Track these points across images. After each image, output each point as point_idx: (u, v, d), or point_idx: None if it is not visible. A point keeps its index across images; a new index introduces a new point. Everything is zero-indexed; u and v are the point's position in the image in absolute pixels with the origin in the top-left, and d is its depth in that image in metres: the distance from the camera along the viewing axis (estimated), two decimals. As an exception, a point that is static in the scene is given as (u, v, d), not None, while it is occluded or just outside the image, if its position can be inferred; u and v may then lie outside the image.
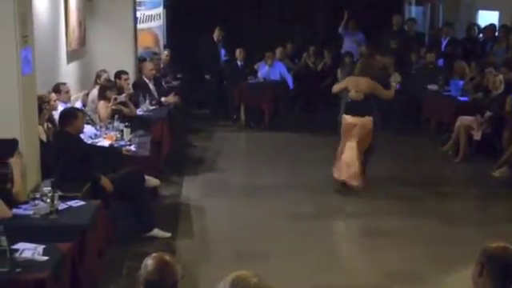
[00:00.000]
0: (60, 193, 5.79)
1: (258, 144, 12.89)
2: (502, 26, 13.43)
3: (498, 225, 8.09)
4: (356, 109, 9.19)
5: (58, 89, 8.85)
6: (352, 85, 9.28)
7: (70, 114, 7.35)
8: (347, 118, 9.27)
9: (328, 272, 6.80)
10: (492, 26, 13.94)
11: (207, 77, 14.39)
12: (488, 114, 10.54)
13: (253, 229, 8.02)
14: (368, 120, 9.16)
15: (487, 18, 14.67)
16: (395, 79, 9.71)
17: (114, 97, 9.71)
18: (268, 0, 16.81)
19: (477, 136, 10.60)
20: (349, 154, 9.24)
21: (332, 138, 12.04)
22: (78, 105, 9.78)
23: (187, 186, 9.61)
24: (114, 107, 9.60)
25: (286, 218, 8.39)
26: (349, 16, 15.44)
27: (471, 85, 11.86)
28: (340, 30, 15.58)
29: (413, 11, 18.08)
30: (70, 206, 5.93)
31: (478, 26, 14.54)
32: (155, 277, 3.32)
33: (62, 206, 5.80)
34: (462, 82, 12.03)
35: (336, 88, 9.77)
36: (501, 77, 10.76)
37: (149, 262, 3.37)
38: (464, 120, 10.88)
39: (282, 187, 9.66)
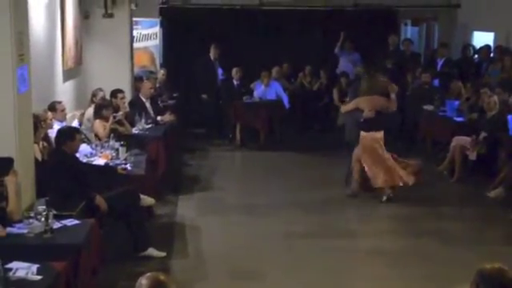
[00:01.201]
0: (55, 211, 5.77)
1: (254, 163, 12.88)
2: (497, 47, 13.50)
3: (494, 245, 8.08)
4: (373, 125, 9.66)
5: (53, 107, 8.85)
6: (364, 104, 9.70)
7: (67, 135, 7.35)
8: (367, 136, 9.68)
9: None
10: (487, 46, 14.01)
11: (204, 96, 14.41)
12: (483, 134, 10.56)
13: (248, 248, 8.00)
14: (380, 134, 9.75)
15: (482, 38, 14.75)
16: (392, 89, 9.92)
17: (113, 115, 9.73)
18: (265, 19, 16.86)
19: (472, 156, 10.61)
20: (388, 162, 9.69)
21: (327, 157, 12.11)
22: (75, 124, 9.79)
23: (182, 205, 9.59)
24: (111, 126, 9.61)
25: (281, 237, 8.37)
26: (345, 37, 15.53)
27: (466, 105, 11.89)
28: (336, 50, 15.68)
29: (408, 31, 18.18)
30: (65, 225, 5.90)
31: (474, 47, 14.62)
32: (149, 296, 3.31)
33: (56, 224, 5.78)
34: (457, 103, 12.06)
35: (346, 108, 10.11)
36: (495, 97, 10.79)
37: (143, 282, 3.36)
38: (459, 140, 10.90)
39: (277, 206, 9.65)
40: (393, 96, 9.94)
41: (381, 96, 9.82)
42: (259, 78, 14.20)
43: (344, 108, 10.30)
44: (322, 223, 8.95)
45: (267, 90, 14.05)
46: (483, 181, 10.36)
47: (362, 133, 9.76)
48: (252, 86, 14.38)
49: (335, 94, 14.66)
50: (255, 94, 14.07)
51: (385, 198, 9.79)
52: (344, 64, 15.57)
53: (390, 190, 9.82)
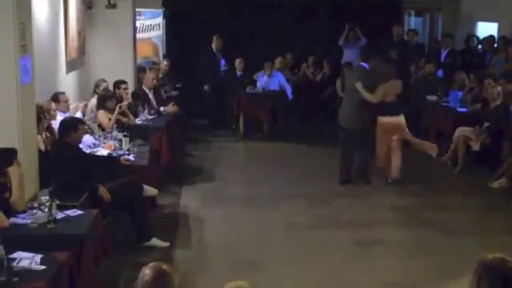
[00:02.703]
0: (58, 202, 5.78)
1: (257, 154, 12.88)
2: (501, 38, 13.46)
3: (496, 236, 8.09)
4: (394, 109, 10.09)
5: (56, 98, 8.85)
6: (389, 89, 10.04)
7: (70, 126, 7.35)
8: (386, 119, 10.09)
9: (326, 282, 6.78)
10: (491, 37, 13.98)
11: (206, 87, 14.41)
12: (486, 124, 10.55)
13: (251, 239, 8.01)
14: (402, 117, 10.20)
15: (486, 29, 14.72)
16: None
17: (118, 105, 9.75)
18: (268, 10, 16.83)
19: (475, 147, 10.61)
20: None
21: (330, 148, 12.08)
22: (78, 114, 9.80)
23: (185, 196, 9.61)
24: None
25: (284, 228, 8.38)
26: (349, 28, 15.51)
27: (470, 96, 11.88)
28: (340, 42, 15.66)
29: (412, 22, 18.14)
30: (68, 216, 5.91)
31: (477, 38, 14.59)
32: (152, 286, 3.32)
33: (59, 215, 5.78)
34: (460, 93, 12.04)
35: (377, 98, 10.00)
36: (499, 88, 10.77)
37: (146, 272, 3.37)
38: (463, 131, 10.89)
39: (280, 197, 9.66)
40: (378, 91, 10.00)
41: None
42: (262, 68, 14.21)
43: (375, 98, 9.99)
44: (325, 214, 8.95)
45: (270, 80, 14.04)
46: (486, 171, 10.36)
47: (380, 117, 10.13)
48: (255, 76, 14.37)
49: (338, 85, 14.65)
50: (258, 84, 14.06)
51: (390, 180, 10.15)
52: (348, 55, 15.55)
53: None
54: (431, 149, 10.52)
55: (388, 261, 7.36)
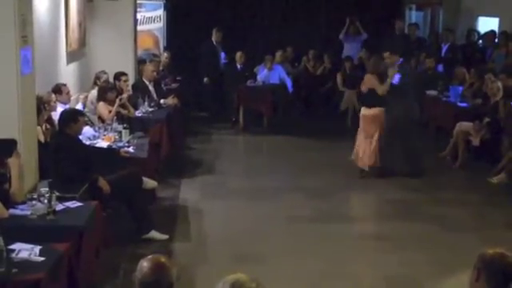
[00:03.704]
0: (57, 193, 5.78)
1: (257, 147, 12.89)
2: (502, 33, 13.44)
3: (496, 231, 8.09)
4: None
5: (58, 89, 8.85)
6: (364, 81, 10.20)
7: (70, 117, 7.33)
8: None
9: (326, 276, 6.79)
10: (492, 32, 13.96)
11: (206, 80, 14.41)
12: (486, 120, 10.54)
13: (251, 231, 8.01)
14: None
15: (487, 24, 14.69)
16: (391, 74, 10.04)
17: (119, 97, 9.74)
18: (268, 3, 16.81)
19: (475, 142, 10.60)
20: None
21: (330, 142, 12.10)
22: (79, 106, 9.79)
23: (185, 189, 9.60)
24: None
25: (284, 221, 8.38)
26: (350, 23, 15.50)
27: (470, 91, 11.87)
28: (341, 36, 15.67)
29: (413, 16, 18.11)
30: (68, 207, 5.91)
31: (478, 32, 14.57)
32: (150, 279, 3.33)
33: (59, 206, 5.78)
34: (461, 88, 12.03)
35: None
36: (499, 83, 10.76)
37: (144, 264, 3.38)
38: (463, 126, 10.88)
39: (280, 190, 9.66)
40: (388, 81, 10.01)
41: (379, 77, 10.13)
42: (263, 61, 14.19)
43: (385, 88, 10.12)
44: (325, 208, 8.95)
45: (270, 73, 14.03)
46: (486, 166, 10.36)
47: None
48: (255, 69, 14.37)
49: (339, 79, 14.65)
50: (258, 77, 14.05)
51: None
52: (349, 49, 15.54)
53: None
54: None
55: (387, 254, 7.36)
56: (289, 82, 14.29)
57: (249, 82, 14.01)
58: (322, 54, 15.66)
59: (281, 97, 14.08)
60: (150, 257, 3.43)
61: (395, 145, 10.20)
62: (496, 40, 13.69)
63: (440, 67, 13.75)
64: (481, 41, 14.34)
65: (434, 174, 10.57)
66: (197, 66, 14.75)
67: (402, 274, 6.86)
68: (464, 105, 11.58)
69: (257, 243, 7.61)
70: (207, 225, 8.21)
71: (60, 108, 8.32)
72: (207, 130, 13.78)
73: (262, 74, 14.06)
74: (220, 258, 7.12)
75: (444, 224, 8.32)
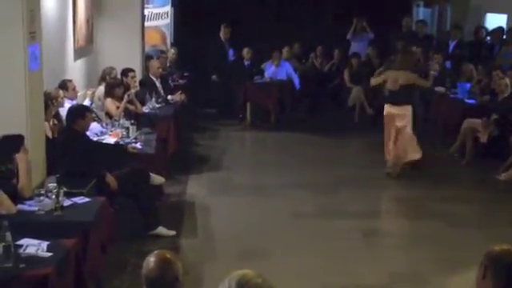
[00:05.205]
0: (65, 189, 5.80)
1: (264, 143, 12.89)
2: (510, 29, 13.41)
3: (503, 228, 8.07)
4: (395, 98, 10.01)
5: (64, 85, 8.86)
6: (391, 78, 10.02)
7: (77, 113, 7.35)
8: (387, 108, 10.09)
9: (331, 272, 6.79)
10: (500, 28, 13.92)
11: (214, 77, 14.41)
12: (494, 116, 10.51)
13: (257, 228, 8.03)
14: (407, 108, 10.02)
15: (495, 20, 14.65)
16: (433, 67, 10.22)
17: (127, 93, 9.75)
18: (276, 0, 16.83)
19: (483, 139, 10.57)
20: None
21: (337, 138, 12.09)
22: (86, 102, 9.81)
23: (192, 185, 9.62)
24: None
25: (290, 218, 8.39)
26: (357, 23, 15.48)
27: (478, 87, 11.84)
28: (348, 36, 15.65)
29: (421, 13, 18.07)
30: (75, 203, 5.93)
31: (486, 29, 14.51)
32: (155, 274, 3.35)
33: (66, 202, 5.80)
34: (469, 85, 11.99)
35: (376, 81, 10.39)
36: (507, 80, 10.73)
37: (150, 260, 3.41)
38: (470, 122, 10.86)
39: (286, 186, 9.66)
40: (432, 73, 10.51)
41: (412, 72, 10.13)
42: (270, 58, 14.19)
43: (374, 81, 10.46)
44: (331, 204, 8.96)
45: (278, 70, 14.03)
46: (494, 163, 10.31)
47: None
48: (263, 66, 14.36)
49: (346, 75, 14.63)
50: (266, 74, 14.05)
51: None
52: (355, 47, 15.53)
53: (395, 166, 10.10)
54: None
55: (393, 251, 7.37)
56: (296, 79, 14.28)
57: (256, 79, 14.00)
58: (329, 50, 15.64)
59: (288, 93, 14.07)
60: (155, 252, 3.46)
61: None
62: (504, 37, 13.65)
63: (448, 64, 13.71)
64: (489, 37, 14.29)
65: (441, 171, 10.56)
66: (204, 63, 14.75)
67: (407, 270, 6.87)
68: (472, 101, 11.55)
69: (263, 239, 7.62)
70: (214, 221, 8.23)
71: (67, 104, 8.34)
72: (214, 126, 13.78)
73: (270, 70, 14.05)
74: (227, 253, 7.14)
75: (450, 221, 8.31)
